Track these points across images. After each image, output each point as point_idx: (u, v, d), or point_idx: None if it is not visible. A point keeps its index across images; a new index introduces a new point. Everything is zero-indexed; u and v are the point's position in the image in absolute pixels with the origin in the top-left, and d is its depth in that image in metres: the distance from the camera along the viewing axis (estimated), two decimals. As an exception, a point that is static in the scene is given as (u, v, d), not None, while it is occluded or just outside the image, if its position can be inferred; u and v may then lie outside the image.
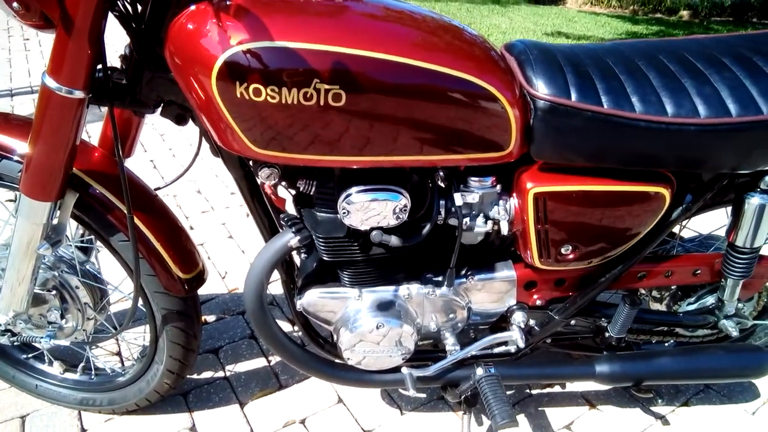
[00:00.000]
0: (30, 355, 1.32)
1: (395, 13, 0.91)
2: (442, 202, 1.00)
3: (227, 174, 2.51)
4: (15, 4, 0.77)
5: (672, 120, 0.91)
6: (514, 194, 1.02)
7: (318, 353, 1.18)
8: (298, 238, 1.00)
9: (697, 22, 7.76)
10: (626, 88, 0.94)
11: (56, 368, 1.31)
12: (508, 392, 1.41)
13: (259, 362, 1.51)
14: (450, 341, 1.16)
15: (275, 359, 1.52)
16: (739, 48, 1.02)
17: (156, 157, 2.63)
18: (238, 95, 0.79)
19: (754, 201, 1.06)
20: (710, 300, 1.31)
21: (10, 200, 2.11)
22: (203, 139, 1.02)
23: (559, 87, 0.91)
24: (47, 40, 4.59)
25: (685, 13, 8.12)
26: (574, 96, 0.91)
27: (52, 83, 0.82)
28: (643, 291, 1.39)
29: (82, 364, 1.30)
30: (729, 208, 1.15)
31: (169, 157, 2.64)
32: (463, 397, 1.22)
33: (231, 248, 2.02)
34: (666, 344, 1.38)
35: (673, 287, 1.36)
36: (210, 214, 2.22)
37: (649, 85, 0.95)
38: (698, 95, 0.93)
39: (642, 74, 0.96)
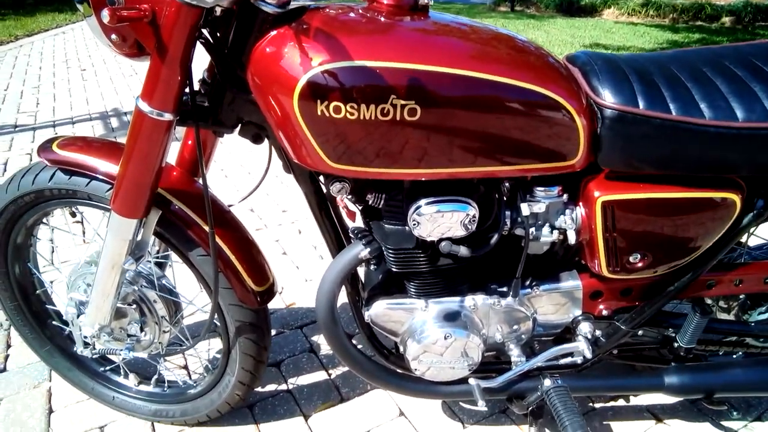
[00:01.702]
0: (107, 368, 1.38)
1: (460, 28, 0.94)
2: (508, 213, 1.01)
3: (278, 192, 2.58)
4: (113, 36, 0.84)
5: (743, 125, 0.91)
6: (581, 203, 1.02)
7: (384, 364, 1.20)
8: (368, 249, 1.03)
9: (740, 28, 7.58)
10: (694, 95, 0.94)
11: (131, 380, 1.36)
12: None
13: (319, 375, 1.54)
14: (515, 352, 1.16)
15: (336, 372, 1.55)
16: (806, 50, 1.01)
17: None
18: (319, 113, 0.83)
19: (829, 205, 1.04)
20: (783, 309, 1.27)
21: (77, 221, 2.23)
22: (273, 156, 1.07)
23: (626, 96, 0.92)
24: (102, 70, 4.84)
25: (727, 20, 7.94)
26: (641, 104, 0.92)
27: (145, 107, 0.88)
28: (709, 300, 1.35)
29: (155, 377, 1.36)
30: (801, 214, 1.12)
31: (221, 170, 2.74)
32: (529, 409, 1.21)
33: (286, 264, 2.07)
34: (734, 356, 1.34)
35: (741, 296, 1.33)
36: (263, 231, 2.29)
37: (717, 90, 0.94)
38: (769, 99, 0.93)
39: (708, 80, 0.96)
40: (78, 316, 1.19)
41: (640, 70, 0.97)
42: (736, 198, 0.98)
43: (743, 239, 1.30)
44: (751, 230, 1.15)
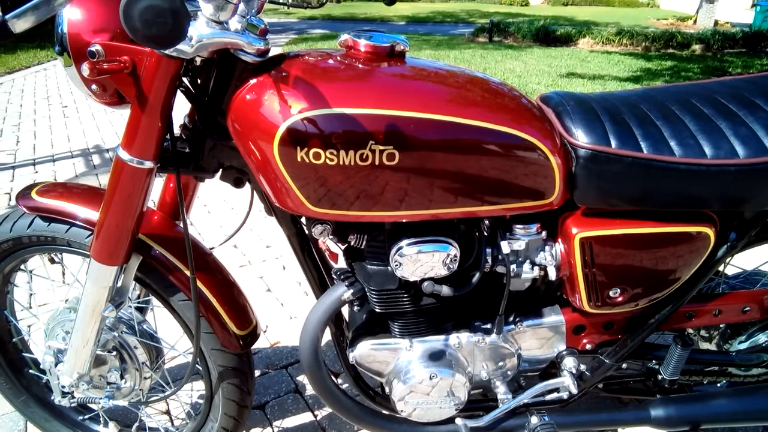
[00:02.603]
0: (86, 417, 1.34)
1: (436, 73, 0.96)
2: (489, 251, 1.02)
3: (262, 228, 2.58)
4: (94, 86, 0.85)
5: (711, 162, 0.94)
6: (560, 240, 1.04)
7: (370, 406, 1.18)
8: (351, 291, 1.03)
9: (710, 55, 7.84)
10: (663, 133, 0.97)
11: (112, 429, 1.33)
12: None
13: (305, 417, 1.51)
14: (501, 390, 1.15)
15: (321, 413, 1.52)
16: (768, 87, 1.05)
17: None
18: (299, 159, 0.84)
19: (800, 236, 1.06)
20: (762, 338, 1.28)
21: (57, 262, 2.19)
22: (255, 199, 1.07)
23: (598, 135, 0.95)
24: (84, 107, 4.83)
25: (697, 47, 8.21)
26: (613, 143, 0.94)
27: (125, 155, 0.88)
28: (691, 331, 1.37)
29: (136, 424, 1.32)
30: (774, 244, 1.15)
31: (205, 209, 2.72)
32: (517, 446, 1.20)
33: (270, 302, 2.05)
34: (718, 385, 1.35)
35: (722, 326, 1.34)
36: (247, 268, 2.27)
37: (686, 128, 0.98)
38: (735, 136, 0.96)
39: (677, 118, 1.00)
40: (56, 365, 1.17)
41: (611, 110, 1.00)
42: (710, 231, 1.01)
43: (720, 269, 1.33)
44: (727, 261, 1.17)
